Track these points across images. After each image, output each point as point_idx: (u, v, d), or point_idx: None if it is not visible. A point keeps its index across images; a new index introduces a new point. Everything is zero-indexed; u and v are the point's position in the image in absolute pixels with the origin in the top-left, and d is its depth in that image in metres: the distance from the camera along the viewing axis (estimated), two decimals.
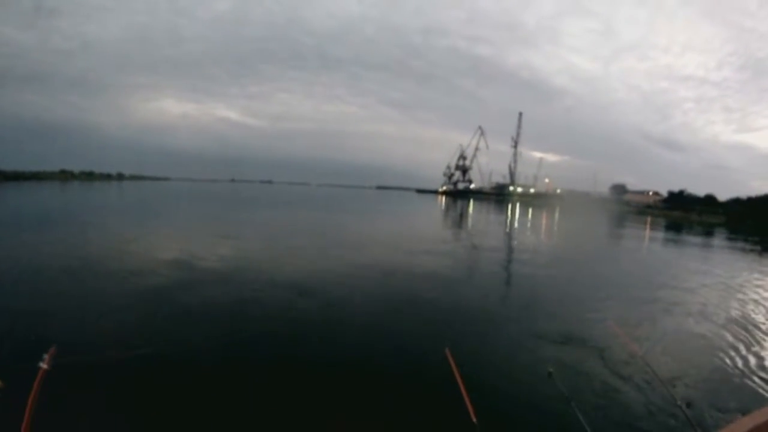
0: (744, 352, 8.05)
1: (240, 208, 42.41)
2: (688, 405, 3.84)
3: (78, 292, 9.56)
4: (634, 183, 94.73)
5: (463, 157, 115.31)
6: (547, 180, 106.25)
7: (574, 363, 6.99)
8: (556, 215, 58.48)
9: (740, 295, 13.50)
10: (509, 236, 30.77)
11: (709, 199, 68.17)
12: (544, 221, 47.61)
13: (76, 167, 74.42)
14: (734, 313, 11.03)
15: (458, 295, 11.57)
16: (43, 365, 2.94)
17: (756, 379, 6.84)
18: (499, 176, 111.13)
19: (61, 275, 10.97)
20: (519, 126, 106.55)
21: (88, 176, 78.27)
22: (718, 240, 36.75)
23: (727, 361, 7.56)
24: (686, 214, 62.22)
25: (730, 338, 8.89)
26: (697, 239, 36.23)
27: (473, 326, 8.84)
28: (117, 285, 10.34)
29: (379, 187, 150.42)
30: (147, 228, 22.82)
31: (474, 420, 2.78)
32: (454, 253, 19.78)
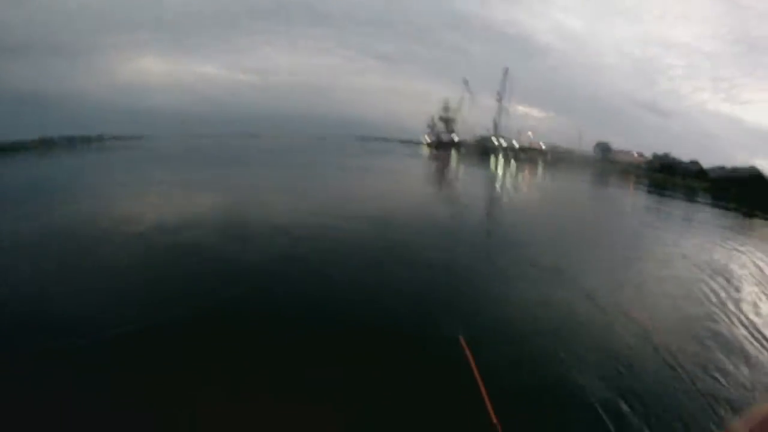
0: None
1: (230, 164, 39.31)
2: None
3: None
4: (618, 143, 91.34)
5: (446, 109, 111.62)
6: (530, 133, 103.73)
7: None
8: (540, 170, 57.72)
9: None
10: (492, 189, 30.14)
11: (694, 164, 67.13)
12: (527, 176, 46.87)
13: (56, 133, 69.44)
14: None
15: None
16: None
17: None
18: (483, 130, 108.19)
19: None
20: (504, 81, 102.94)
21: (68, 141, 73.79)
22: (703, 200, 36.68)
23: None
24: (670, 176, 61.25)
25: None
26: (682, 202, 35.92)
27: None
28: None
29: (363, 138, 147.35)
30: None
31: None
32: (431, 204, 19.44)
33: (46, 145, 62.82)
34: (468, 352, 3.93)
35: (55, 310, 6.95)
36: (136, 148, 48.10)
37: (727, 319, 8.46)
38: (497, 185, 32.51)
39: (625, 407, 5.20)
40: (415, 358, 5.99)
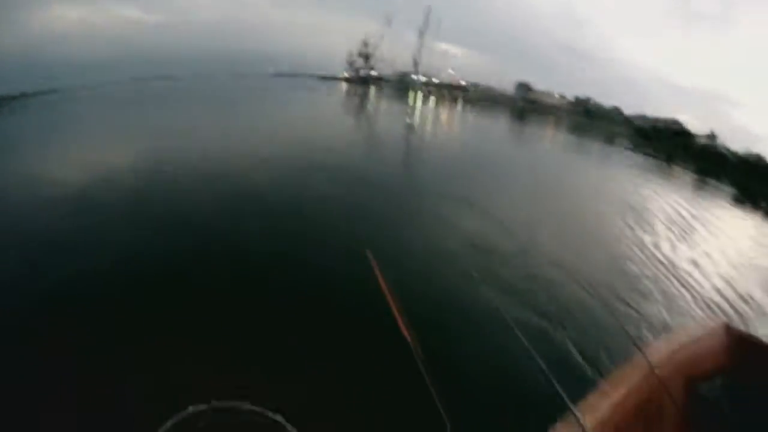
0: None
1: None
2: None
3: None
4: (540, 84, 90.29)
5: (365, 44, 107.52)
6: (451, 70, 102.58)
7: None
8: (459, 107, 56.82)
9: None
10: (408, 126, 28.37)
11: (615, 110, 67.05)
12: (444, 112, 45.85)
13: None
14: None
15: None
16: None
17: None
18: (404, 66, 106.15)
19: None
20: (427, 17, 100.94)
21: None
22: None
23: None
24: (590, 120, 60.18)
25: None
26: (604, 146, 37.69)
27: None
28: None
29: (278, 75, 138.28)
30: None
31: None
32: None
33: None
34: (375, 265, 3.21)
35: None
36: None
37: (641, 254, 8.73)
38: (413, 122, 30.94)
39: (541, 323, 5.27)
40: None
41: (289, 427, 2.77)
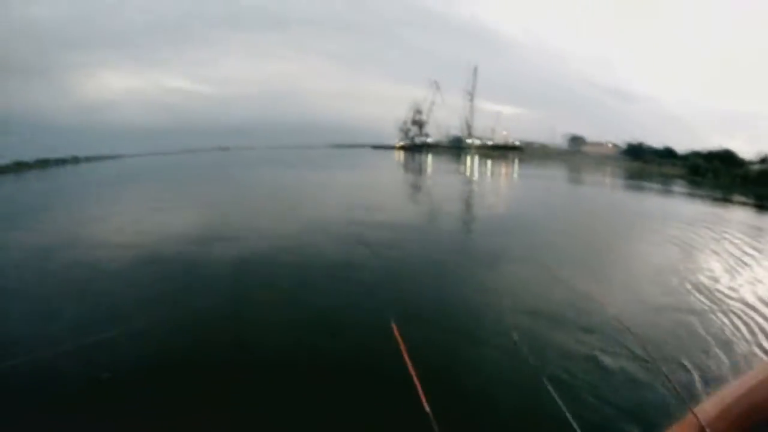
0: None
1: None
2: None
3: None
4: (591, 134, 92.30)
5: (418, 111, 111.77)
6: (504, 132, 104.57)
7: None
8: (514, 167, 57.09)
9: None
10: (469, 191, 29.17)
11: (668, 152, 67.69)
12: (501, 174, 45.99)
13: (29, 156, 67.76)
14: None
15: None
16: None
17: None
18: (457, 130, 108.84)
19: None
20: (474, 79, 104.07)
21: (43, 164, 71.60)
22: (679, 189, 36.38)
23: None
24: (646, 165, 61.30)
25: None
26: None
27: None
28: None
29: (334, 146, 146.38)
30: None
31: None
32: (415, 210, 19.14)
33: (21, 168, 61.33)
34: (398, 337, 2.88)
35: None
36: (111, 168, 46.93)
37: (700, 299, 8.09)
38: (470, 186, 31.92)
39: (585, 379, 5.01)
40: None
41: None
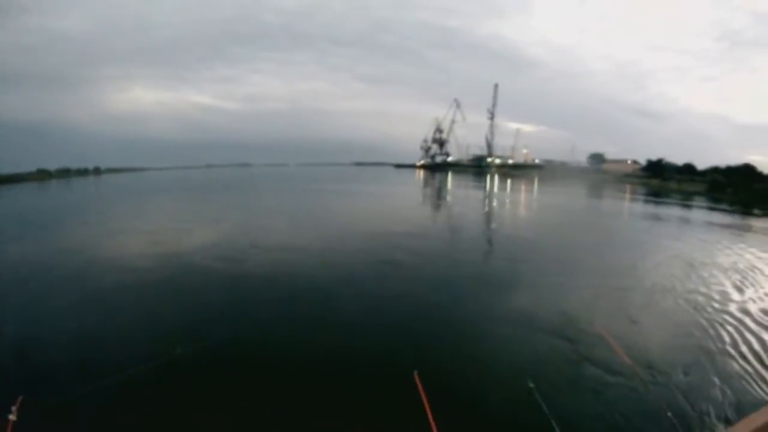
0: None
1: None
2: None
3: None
4: (612, 152, 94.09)
5: (439, 130, 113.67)
6: (525, 150, 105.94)
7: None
8: (535, 186, 57.27)
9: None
10: (486, 211, 29.33)
11: (688, 168, 67.58)
12: (521, 194, 46.12)
13: (52, 165, 71.44)
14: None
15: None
16: (12, 417, 3.23)
17: None
18: (477, 148, 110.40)
19: None
20: (495, 97, 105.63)
21: (65, 173, 75.16)
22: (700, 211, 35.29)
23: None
24: (665, 182, 61.51)
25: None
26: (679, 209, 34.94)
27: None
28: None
29: (357, 164, 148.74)
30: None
31: None
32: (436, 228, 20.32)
33: (43, 176, 63.38)
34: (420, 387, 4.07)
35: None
36: (131, 181, 49.22)
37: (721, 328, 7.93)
38: (491, 206, 32.27)
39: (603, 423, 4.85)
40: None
41: None
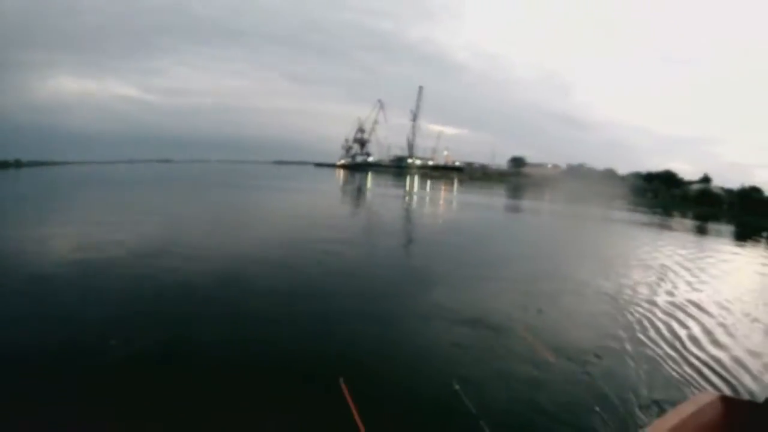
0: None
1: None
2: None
3: None
4: (533, 156, 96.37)
5: (361, 130, 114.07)
6: (446, 153, 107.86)
7: None
8: (454, 187, 57.37)
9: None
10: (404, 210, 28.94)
11: (609, 172, 68.76)
12: (442, 193, 45.47)
13: None
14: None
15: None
16: None
17: None
18: (398, 149, 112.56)
19: None
20: (419, 100, 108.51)
21: None
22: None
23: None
24: (586, 185, 61.08)
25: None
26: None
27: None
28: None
29: (277, 162, 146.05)
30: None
31: None
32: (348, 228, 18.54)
33: None
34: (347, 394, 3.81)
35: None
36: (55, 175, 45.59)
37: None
38: (410, 207, 31.33)
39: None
40: None
41: None
